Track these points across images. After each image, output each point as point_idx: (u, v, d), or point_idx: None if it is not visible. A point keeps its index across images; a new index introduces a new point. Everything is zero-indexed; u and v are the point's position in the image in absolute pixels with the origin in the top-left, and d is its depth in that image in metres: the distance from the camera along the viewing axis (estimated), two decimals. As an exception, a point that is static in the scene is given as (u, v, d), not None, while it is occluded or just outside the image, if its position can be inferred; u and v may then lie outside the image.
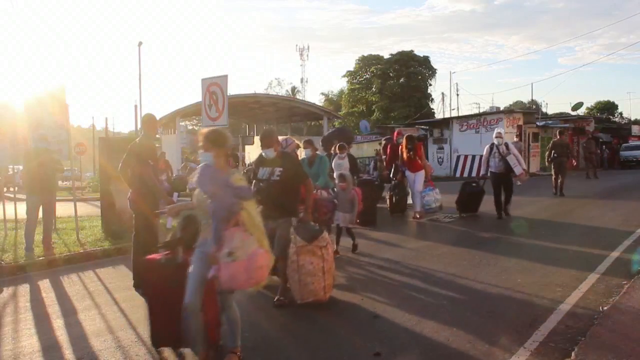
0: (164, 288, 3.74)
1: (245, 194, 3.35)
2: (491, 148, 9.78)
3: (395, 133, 11.46)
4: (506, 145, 9.71)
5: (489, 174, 10.04)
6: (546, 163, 15.36)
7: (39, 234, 7.67)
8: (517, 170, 9.50)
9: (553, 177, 14.00)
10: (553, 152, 13.97)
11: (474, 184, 10.53)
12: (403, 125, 29.43)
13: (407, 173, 10.24)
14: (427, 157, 22.38)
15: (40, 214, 7.58)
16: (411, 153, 10.09)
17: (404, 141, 10.31)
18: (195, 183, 3.42)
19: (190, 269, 3.40)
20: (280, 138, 10.64)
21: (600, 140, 27.71)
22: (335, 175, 8.66)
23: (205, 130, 3.62)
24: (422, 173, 10.09)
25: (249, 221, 3.27)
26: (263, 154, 4.97)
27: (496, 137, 9.80)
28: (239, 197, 3.26)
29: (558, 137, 14.94)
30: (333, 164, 9.33)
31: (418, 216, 10.03)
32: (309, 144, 7.41)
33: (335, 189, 7.17)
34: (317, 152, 7.62)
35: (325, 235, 4.96)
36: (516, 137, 17.05)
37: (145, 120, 6.00)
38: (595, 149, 21.26)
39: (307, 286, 4.73)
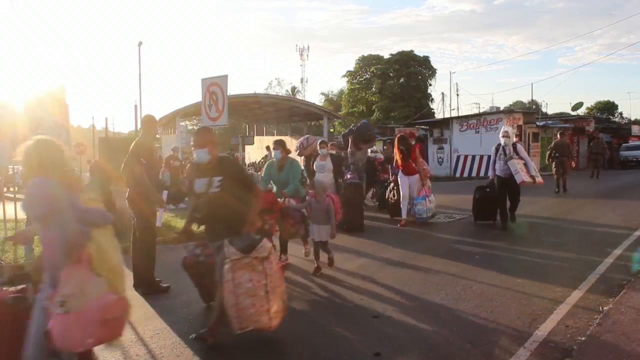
0: (6, 335, 2.79)
1: (97, 219, 2.74)
2: (497, 149, 8.78)
3: (408, 132, 11.27)
4: (514, 146, 8.65)
5: (495, 178, 8.87)
6: (546, 161, 15.57)
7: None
8: (517, 177, 8.28)
9: (555, 176, 14.38)
10: (554, 152, 14.55)
11: (487, 189, 9.24)
12: (403, 125, 29.43)
13: (400, 175, 9.48)
14: (427, 158, 22.17)
15: None
16: (404, 155, 9.40)
17: (395, 141, 9.69)
18: (21, 205, 2.70)
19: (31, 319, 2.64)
20: (301, 138, 10.29)
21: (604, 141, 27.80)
22: (316, 178, 8.13)
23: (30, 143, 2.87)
24: (415, 178, 9.30)
25: (99, 257, 2.61)
26: (195, 156, 4.11)
27: (502, 136, 8.78)
28: (87, 224, 2.62)
29: (559, 137, 15.45)
30: (314, 165, 8.92)
31: (400, 224, 9.21)
32: (278, 145, 6.46)
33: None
34: (290, 155, 6.74)
35: (267, 245, 3.94)
36: (516, 136, 16.90)
37: (145, 120, 6.08)
38: (604, 150, 21.51)
39: (246, 310, 3.71)
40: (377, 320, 4.43)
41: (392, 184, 10.28)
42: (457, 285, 5.41)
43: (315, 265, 6.07)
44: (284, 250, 6.45)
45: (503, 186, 8.60)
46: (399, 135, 10.00)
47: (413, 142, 10.76)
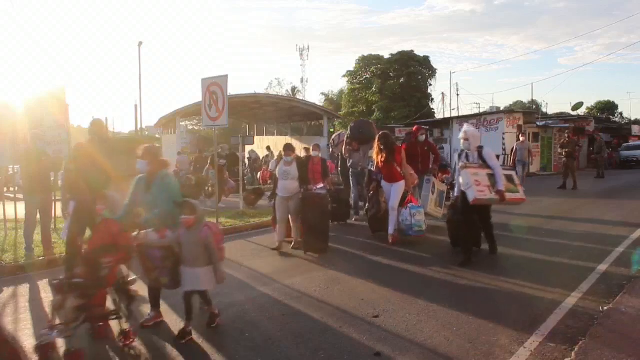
0: None
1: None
2: (459, 156, 6.65)
3: (415, 129, 9.48)
4: (479, 151, 6.45)
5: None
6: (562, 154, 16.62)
7: (38, 233, 7.67)
8: (469, 194, 6.14)
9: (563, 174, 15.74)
10: (564, 150, 15.95)
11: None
12: (403, 125, 29.41)
13: (383, 183, 7.88)
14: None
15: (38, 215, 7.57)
16: (386, 157, 7.64)
17: (376, 140, 7.94)
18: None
19: None
20: (334, 135, 10.09)
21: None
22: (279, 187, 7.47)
23: None
24: (400, 185, 7.61)
25: None
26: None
27: (461, 138, 6.53)
28: None
29: (568, 137, 16.68)
30: (277, 171, 7.75)
31: (390, 240, 7.62)
32: (146, 153, 4.53)
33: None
34: (175, 168, 6.04)
35: None
36: (521, 136, 16.48)
37: (91, 124, 6.49)
38: (604, 150, 21.74)
39: None
40: (377, 320, 4.43)
41: (370, 192, 8.63)
42: (457, 285, 5.41)
43: (183, 326, 4.14)
44: (153, 303, 4.56)
45: (467, 204, 6.28)
46: (380, 132, 8.15)
47: (415, 140, 9.37)
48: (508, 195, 6.32)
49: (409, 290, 5.29)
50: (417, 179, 8.37)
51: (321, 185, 7.82)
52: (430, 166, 9.33)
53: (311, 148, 8.55)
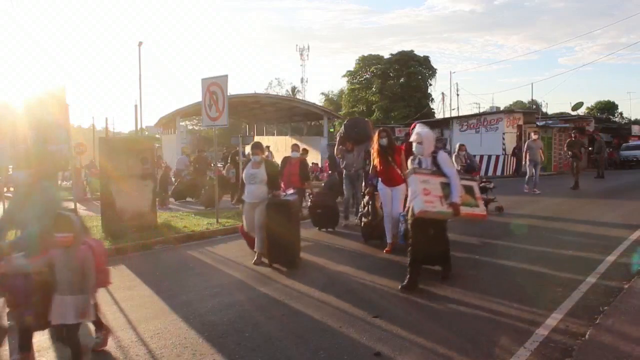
0: None
1: None
2: (412, 161, 5.57)
3: (413, 126, 8.33)
4: (434, 156, 5.41)
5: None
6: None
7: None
8: (416, 205, 5.15)
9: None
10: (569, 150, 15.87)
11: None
12: (403, 125, 29.41)
13: (380, 187, 7.06)
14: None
15: None
16: (385, 157, 6.91)
17: (375, 138, 7.11)
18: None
19: None
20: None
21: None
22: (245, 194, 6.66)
23: None
24: (401, 189, 6.81)
25: None
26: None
27: (416, 142, 5.45)
28: None
29: (574, 137, 16.56)
30: (244, 175, 6.80)
31: (388, 249, 6.98)
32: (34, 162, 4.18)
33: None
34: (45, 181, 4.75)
35: None
36: (534, 134, 15.44)
37: None
38: (604, 150, 21.77)
39: None
40: (377, 320, 4.43)
41: (366, 198, 7.91)
42: (457, 285, 5.40)
43: None
44: (22, 345, 3.60)
45: (421, 224, 5.25)
46: (380, 128, 7.29)
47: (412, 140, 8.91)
48: (464, 210, 5.29)
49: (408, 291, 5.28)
50: None
51: (292, 190, 7.21)
52: None
53: (291, 148, 8.17)
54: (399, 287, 5.21)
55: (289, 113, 30.91)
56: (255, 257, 6.69)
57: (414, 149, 5.52)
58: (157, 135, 32.22)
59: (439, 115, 42.41)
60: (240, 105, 26.21)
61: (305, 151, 8.96)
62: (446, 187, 5.24)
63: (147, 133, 30.15)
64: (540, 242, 7.67)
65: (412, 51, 44.30)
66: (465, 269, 6.05)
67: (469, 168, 11.13)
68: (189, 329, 4.32)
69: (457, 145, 11.93)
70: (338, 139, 8.41)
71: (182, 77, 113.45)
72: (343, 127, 8.24)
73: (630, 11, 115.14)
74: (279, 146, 26.93)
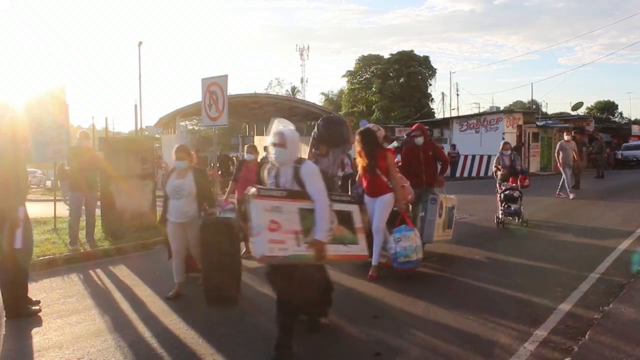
0: None
1: None
2: (268, 173, 3.96)
3: (414, 127, 7.27)
4: (296, 168, 3.80)
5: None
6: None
7: (41, 233, 7.73)
8: (257, 246, 3.55)
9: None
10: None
11: None
12: (403, 125, 29.41)
13: (366, 199, 5.82)
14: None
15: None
16: (369, 162, 5.79)
17: (357, 140, 5.97)
18: None
19: None
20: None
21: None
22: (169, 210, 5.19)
23: None
24: (386, 200, 5.72)
25: None
26: None
27: (275, 145, 3.76)
28: None
29: (575, 138, 16.10)
30: (167, 186, 5.28)
31: (369, 276, 5.73)
32: None
33: None
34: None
35: None
36: (567, 134, 14.20)
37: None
38: (604, 150, 21.77)
39: None
40: (377, 320, 4.43)
41: None
42: (457, 285, 5.41)
43: None
44: None
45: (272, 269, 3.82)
46: (361, 129, 6.30)
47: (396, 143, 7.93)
48: (334, 251, 3.77)
49: (409, 291, 5.29)
50: (411, 192, 6.20)
51: (230, 205, 5.79)
52: (437, 178, 7.01)
53: (246, 150, 6.95)
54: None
55: (289, 113, 30.87)
56: (175, 290, 5.29)
57: (271, 155, 3.81)
58: (157, 135, 32.23)
59: (439, 115, 42.42)
60: (240, 105, 26.23)
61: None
62: (308, 215, 3.63)
63: (147, 133, 30.17)
64: (540, 241, 7.67)
65: (412, 51, 44.29)
66: (465, 269, 6.05)
67: (512, 171, 9.47)
68: (189, 329, 4.32)
69: (501, 144, 9.91)
70: (311, 140, 6.79)
71: (182, 77, 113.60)
72: (316, 127, 6.84)
73: (630, 11, 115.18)
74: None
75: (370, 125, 8.22)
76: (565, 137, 13.92)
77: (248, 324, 4.43)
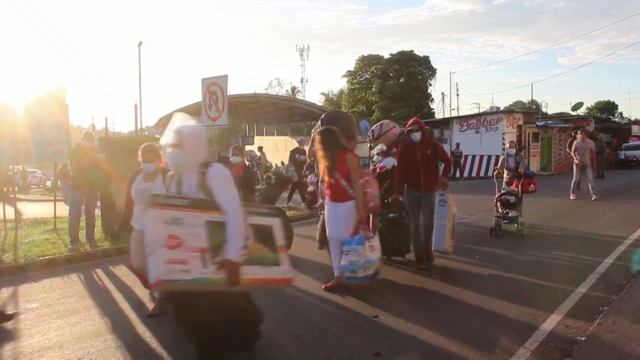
0: None
1: None
2: (170, 181, 3.41)
3: (411, 122, 6.25)
4: (203, 172, 3.19)
5: None
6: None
7: (41, 233, 7.73)
8: (152, 270, 2.98)
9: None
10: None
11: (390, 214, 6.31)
12: (403, 125, 29.37)
13: (327, 204, 5.39)
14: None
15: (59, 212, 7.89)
16: (329, 164, 5.19)
17: (316, 140, 5.38)
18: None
19: None
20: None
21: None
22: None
23: None
24: (347, 208, 5.13)
25: None
26: None
27: (171, 146, 3.18)
28: None
29: (574, 138, 15.97)
30: (133, 190, 4.75)
31: (325, 286, 5.38)
32: None
33: None
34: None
35: None
36: (580, 133, 13.36)
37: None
38: (605, 151, 21.80)
39: None
40: (377, 320, 4.43)
41: (321, 215, 6.24)
42: (457, 285, 5.40)
43: None
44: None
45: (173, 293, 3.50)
46: (320, 128, 5.71)
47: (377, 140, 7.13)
48: (249, 273, 3.15)
49: (408, 291, 5.29)
50: (376, 200, 5.40)
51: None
52: (440, 180, 6.23)
53: (231, 152, 6.45)
54: None
55: (289, 113, 30.96)
56: (153, 307, 4.77)
57: (166, 157, 3.25)
58: (157, 135, 32.20)
59: (438, 115, 42.41)
60: (240, 105, 26.25)
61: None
62: (218, 229, 3.01)
63: (147, 133, 30.12)
64: (540, 241, 7.66)
65: (412, 51, 44.33)
66: (465, 269, 6.05)
67: (516, 175, 8.70)
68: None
69: (507, 143, 8.99)
70: (312, 137, 6.12)
71: (182, 77, 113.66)
72: (319, 122, 6.28)
73: (630, 11, 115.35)
74: (279, 146, 26.94)
75: (386, 122, 7.80)
76: (579, 136, 13.29)
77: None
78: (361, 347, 3.88)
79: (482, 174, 23.10)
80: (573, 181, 12.87)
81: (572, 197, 12.73)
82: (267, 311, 4.74)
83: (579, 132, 14.57)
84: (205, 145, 3.25)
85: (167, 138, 3.16)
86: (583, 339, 3.78)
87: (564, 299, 4.80)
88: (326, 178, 5.30)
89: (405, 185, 6.10)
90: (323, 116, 6.49)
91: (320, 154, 5.26)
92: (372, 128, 7.11)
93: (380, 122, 7.84)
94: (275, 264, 3.38)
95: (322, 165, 5.31)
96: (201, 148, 3.18)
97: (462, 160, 23.36)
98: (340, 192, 5.16)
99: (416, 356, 3.72)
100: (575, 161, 12.79)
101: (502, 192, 8.47)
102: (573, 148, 13.29)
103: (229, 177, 3.21)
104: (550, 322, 4.22)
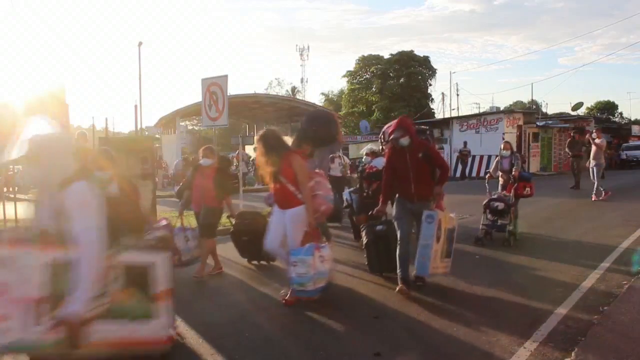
0: None
1: None
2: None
3: (394, 125, 5.25)
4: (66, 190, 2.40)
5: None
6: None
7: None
8: None
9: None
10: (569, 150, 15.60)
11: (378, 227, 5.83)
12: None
13: (275, 211, 5.03)
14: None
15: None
16: (273, 168, 4.83)
17: (257, 143, 4.98)
18: None
19: None
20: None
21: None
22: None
23: None
24: (295, 214, 4.77)
25: None
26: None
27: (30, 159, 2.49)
28: None
29: (573, 139, 16.18)
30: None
31: (282, 300, 4.91)
32: None
33: None
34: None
35: None
36: (596, 132, 13.01)
37: None
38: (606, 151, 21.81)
39: None
40: (377, 320, 4.43)
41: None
42: (457, 285, 5.41)
43: None
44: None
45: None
46: (261, 131, 5.33)
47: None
48: (105, 331, 2.45)
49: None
50: (325, 203, 4.99)
51: (164, 222, 4.35)
52: (434, 189, 5.18)
53: (201, 153, 6.16)
54: None
55: (289, 113, 30.91)
56: None
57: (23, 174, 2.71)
58: (157, 135, 32.21)
59: (439, 115, 42.42)
60: (240, 105, 26.22)
61: (228, 161, 7.42)
62: (65, 273, 2.26)
63: (147, 133, 30.14)
64: (541, 242, 7.67)
65: (412, 51, 44.33)
66: (464, 269, 6.05)
67: (510, 178, 7.91)
68: (189, 329, 4.31)
69: (502, 144, 8.47)
70: (293, 139, 5.70)
71: (182, 77, 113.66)
72: (301, 123, 5.81)
73: (630, 11, 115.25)
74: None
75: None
76: (596, 135, 12.73)
77: (248, 324, 4.43)
78: (361, 347, 3.88)
79: (482, 174, 23.08)
80: (596, 185, 12.25)
81: (594, 198, 12.18)
82: (267, 311, 4.77)
83: (595, 132, 13.77)
84: (69, 157, 2.46)
85: (21, 149, 2.44)
86: (583, 339, 3.78)
87: (563, 299, 4.80)
88: (271, 184, 4.93)
89: (397, 195, 5.29)
90: (305, 116, 6.13)
91: (261, 159, 4.84)
92: (383, 130, 6.60)
93: (390, 123, 7.57)
94: (146, 318, 2.66)
95: (265, 170, 4.91)
96: (61, 161, 2.40)
97: (471, 159, 23.37)
98: (288, 198, 4.77)
99: (416, 356, 3.72)
100: (592, 163, 12.30)
101: (492, 197, 7.64)
102: (590, 151, 12.62)
103: (89, 198, 2.34)
104: (551, 322, 4.22)
